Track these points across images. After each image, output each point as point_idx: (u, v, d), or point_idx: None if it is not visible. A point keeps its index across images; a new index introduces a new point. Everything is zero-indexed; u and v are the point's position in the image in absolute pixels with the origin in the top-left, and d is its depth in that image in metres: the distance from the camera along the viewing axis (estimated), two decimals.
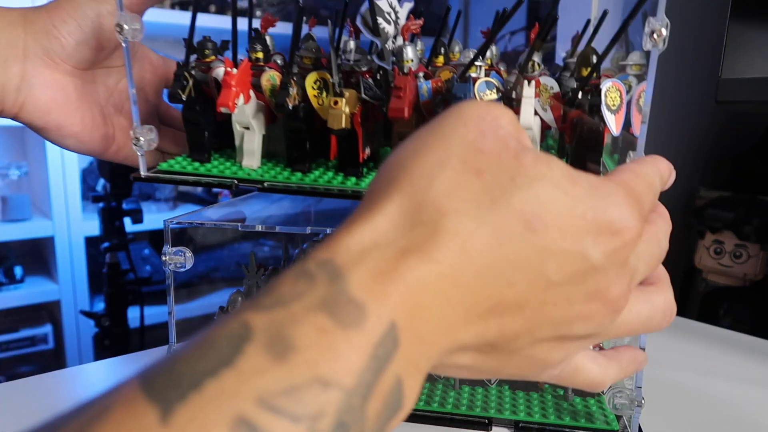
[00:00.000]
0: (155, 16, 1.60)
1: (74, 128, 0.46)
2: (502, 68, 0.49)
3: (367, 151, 0.46)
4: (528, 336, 0.24)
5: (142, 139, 0.45)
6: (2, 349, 1.43)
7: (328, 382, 0.18)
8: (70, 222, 1.41)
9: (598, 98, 0.41)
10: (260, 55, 0.47)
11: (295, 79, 0.44)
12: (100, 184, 1.38)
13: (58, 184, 1.38)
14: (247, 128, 0.46)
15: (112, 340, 1.34)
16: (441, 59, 0.51)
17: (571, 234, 0.22)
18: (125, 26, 0.43)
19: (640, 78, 0.47)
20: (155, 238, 1.65)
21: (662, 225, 0.27)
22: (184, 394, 0.17)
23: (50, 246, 1.43)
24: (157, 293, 1.43)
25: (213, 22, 1.56)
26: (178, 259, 0.48)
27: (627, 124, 0.44)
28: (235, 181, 0.45)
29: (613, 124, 0.42)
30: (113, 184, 1.25)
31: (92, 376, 0.57)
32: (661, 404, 0.49)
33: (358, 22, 0.44)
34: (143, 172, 0.46)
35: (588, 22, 0.55)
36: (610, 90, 0.42)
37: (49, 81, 0.44)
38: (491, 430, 0.44)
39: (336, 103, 0.42)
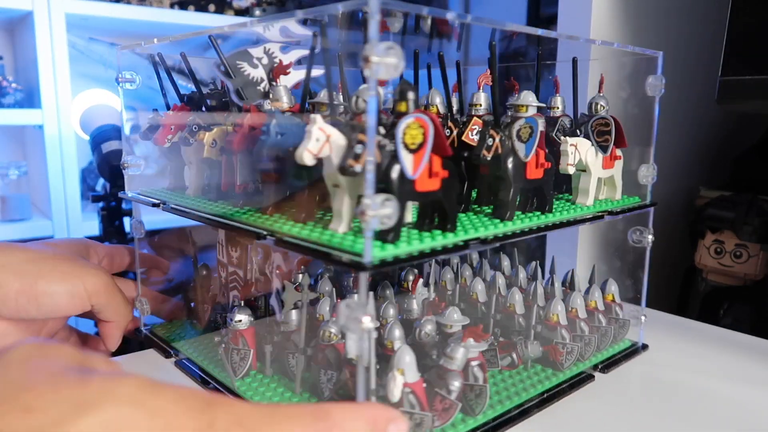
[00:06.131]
0: (155, 16, 1.60)
1: None
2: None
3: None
4: None
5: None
6: None
7: None
8: (70, 222, 1.41)
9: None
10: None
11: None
12: (100, 184, 1.38)
13: (58, 184, 1.38)
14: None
15: None
16: (435, 109, 0.49)
17: None
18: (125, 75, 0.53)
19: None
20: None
21: None
22: None
23: None
24: None
25: (213, 22, 1.56)
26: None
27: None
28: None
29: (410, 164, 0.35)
30: (113, 184, 1.25)
31: None
32: (661, 404, 0.49)
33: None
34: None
35: (574, 60, 0.56)
36: (410, 127, 0.34)
37: None
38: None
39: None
